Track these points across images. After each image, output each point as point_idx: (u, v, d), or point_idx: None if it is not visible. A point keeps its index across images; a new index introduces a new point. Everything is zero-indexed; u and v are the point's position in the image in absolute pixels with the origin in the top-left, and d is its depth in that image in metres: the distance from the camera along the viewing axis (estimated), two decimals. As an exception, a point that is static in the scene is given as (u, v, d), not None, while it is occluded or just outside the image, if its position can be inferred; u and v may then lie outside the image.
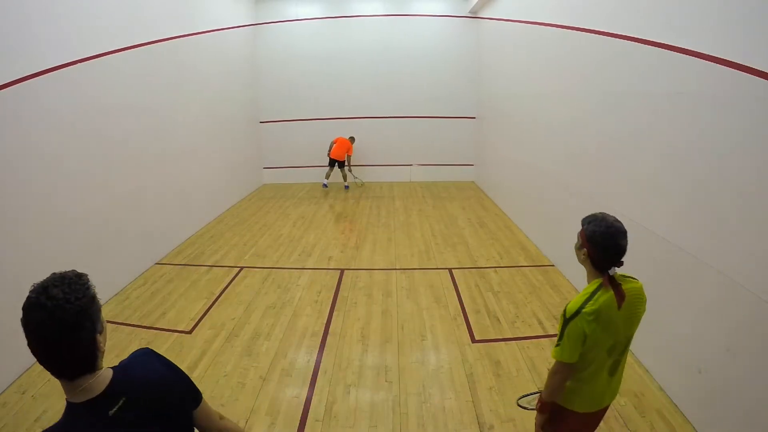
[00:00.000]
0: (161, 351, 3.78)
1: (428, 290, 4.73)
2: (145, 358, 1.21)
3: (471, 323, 4.02)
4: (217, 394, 3.14)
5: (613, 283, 1.73)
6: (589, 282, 1.82)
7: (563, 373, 1.81)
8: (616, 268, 1.76)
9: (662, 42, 3.10)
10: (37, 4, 3.71)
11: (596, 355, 1.78)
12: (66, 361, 1.00)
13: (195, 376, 3.33)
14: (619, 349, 1.81)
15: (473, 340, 3.75)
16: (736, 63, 2.43)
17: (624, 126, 3.69)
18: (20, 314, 1.02)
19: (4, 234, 3.36)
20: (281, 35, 9.88)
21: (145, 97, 5.43)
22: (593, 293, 1.74)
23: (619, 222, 1.76)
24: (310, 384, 3.26)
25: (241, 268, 5.42)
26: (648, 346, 3.34)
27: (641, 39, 3.38)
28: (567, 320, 1.77)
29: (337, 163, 9.44)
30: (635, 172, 3.52)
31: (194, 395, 1.26)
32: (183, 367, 3.38)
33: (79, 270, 1.11)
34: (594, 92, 4.30)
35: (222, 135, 8.08)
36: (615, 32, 3.79)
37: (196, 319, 4.19)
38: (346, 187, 9.73)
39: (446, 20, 9.74)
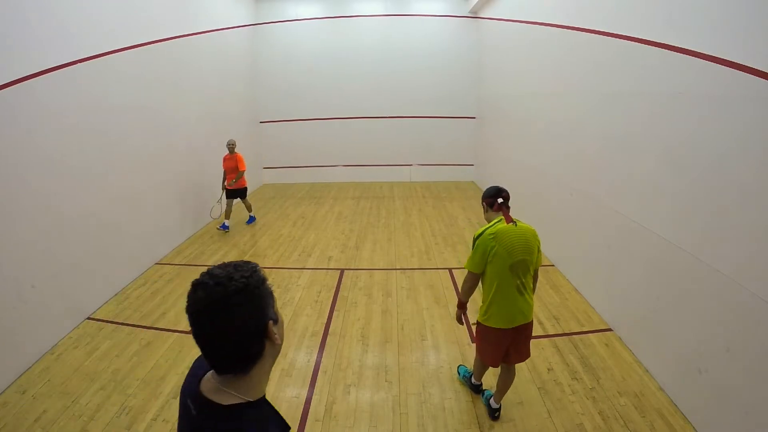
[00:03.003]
0: (161, 351, 3.79)
1: (428, 290, 4.73)
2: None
3: (471, 323, 4.02)
4: (217, 394, 3.13)
5: (509, 217, 2.49)
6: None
7: (471, 281, 2.58)
8: (501, 200, 2.54)
9: (662, 42, 3.10)
10: (37, 4, 3.71)
11: (500, 270, 2.42)
12: (223, 349, 0.90)
13: (195, 376, 3.33)
14: (521, 270, 2.44)
15: (473, 340, 3.75)
16: (736, 63, 2.43)
17: (624, 126, 3.69)
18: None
19: (4, 234, 3.35)
20: (281, 35, 9.88)
21: (145, 97, 5.43)
22: (494, 223, 2.49)
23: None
24: (310, 384, 3.26)
25: (241, 268, 5.41)
26: (648, 346, 3.34)
27: (641, 39, 3.38)
28: (475, 240, 2.50)
29: (239, 193, 6.94)
30: (635, 172, 3.52)
31: None
32: (183, 367, 3.42)
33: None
34: (593, 92, 4.30)
35: (222, 135, 8.05)
36: (615, 32, 3.79)
37: (196, 319, 4.18)
38: (252, 219, 7.32)
39: (446, 20, 9.74)
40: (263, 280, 0.94)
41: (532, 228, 2.54)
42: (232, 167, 6.75)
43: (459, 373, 3.22)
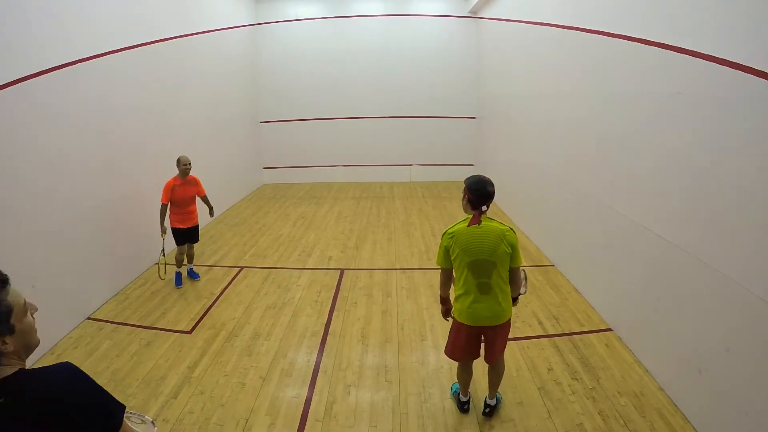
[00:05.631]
0: (161, 351, 3.79)
1: (428, 290, 4.73)
2: (60, 373, 1.11)
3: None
4: (217, 394, 3.14)
5: (478, 217, 2.46)
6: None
7: (442, 276, 2.66)
8: (484, 207, 2.47)
9: (662, 42, 3.10)
10: (37, 4, 3.71)
11: (462, 267, 2.49)
12: None
13: (195, 376, 3.34)
14: (483, 270, 2.45)
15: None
16: (736, 63, 2.43)
17: (624, 126, 3.69)
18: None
19: (3, 234, 3.35)
20: (281, 35, 9.89)
21: (145, 97, 5.43)
22: (459, 222, 2.53)
23: (488, 179, 2.52)
24: (310, 384, 3.26)
25: (241, 268, 5.42)
26: (648, 346, 3.34)
27: (641, 39, 3.38)
28: (442, 239, 2.57)
29: (195, 234, 4.97)
30: (635, 172, 3.52)
31: (104, 422, 1.11)
32: (183, 367, 3.42)
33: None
34: (594, 92, 4.31)
35: (222, 135, 8.08)
36: (615, 32, 3.79)
37: (196, 319, 4.19)
38: (194, 275, 5.07)
39: (446, 20, 9.75)
40: None
41: (504, 227, 2.48)
42: (190, 196, 4.72)
43: (452, 390, 3.11)
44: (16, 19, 3.51)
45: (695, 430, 2.70)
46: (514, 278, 2.56)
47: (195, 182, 4.80)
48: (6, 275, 1.07)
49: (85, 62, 4.29)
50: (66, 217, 4.01)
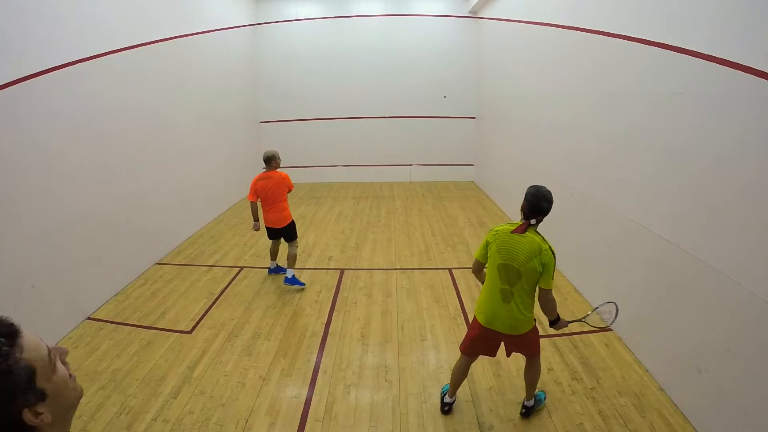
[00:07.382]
0: (161, 351, 3.79)
1: (428, 290, 4.73)
2: None
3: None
4: (217, 394, 3.14)
5: (524, 227, 2.48)
6: None
7: (475, 265, 2.73)
8: (534, 221, 2.48)
9: (662, 42, 3.10)
10: (37, 4, 3.71)
11: (492, 267, 2.53)
12: None
13: (195, 376, 3.34)
14: (509, 278, 2.47)
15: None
16: (736, 63, 2.43)
17: (624, 126, 3.69)
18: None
19: (4, 234, 3.36)
20: (281, 35, 9.88)
21: (145, 97, 5.43)
22: (507, 224, 2.56)
23: (548, 192, 2.48)
24: (310, 384, 3.26)
25: (241, 268, 5.42)
26: (648, 346, 3.34)
27: (641, 39, 3.38)
28: (488, 234, 2.62)
29: (283, 233, 4.79)
30: (635, 172, 3.52)
31: None
32: (183, 367, 3.43)
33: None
34: (594, 92, 4.30)
35: (222, 135, 8.07)
36: (615, 32, 3.79)
37: (196, 319, 4.19)
38: (296, 282, 4.72)
39: (446, 20, 9.74)
40: (8, 369, 0.69)
41: (545, 246, 2.43)
42: (277, 194, 4.65)
43: (441, 391, 3.03)
44: (16, 19, 3.51)
45: (695, 430, 2.71)
46: (543, 301, 2.48)
47: (280, 177, 4.67)
48: (14, 325, 0.72)
49: (85, 62, 4.29)
50: (66, 217, 4.01)
